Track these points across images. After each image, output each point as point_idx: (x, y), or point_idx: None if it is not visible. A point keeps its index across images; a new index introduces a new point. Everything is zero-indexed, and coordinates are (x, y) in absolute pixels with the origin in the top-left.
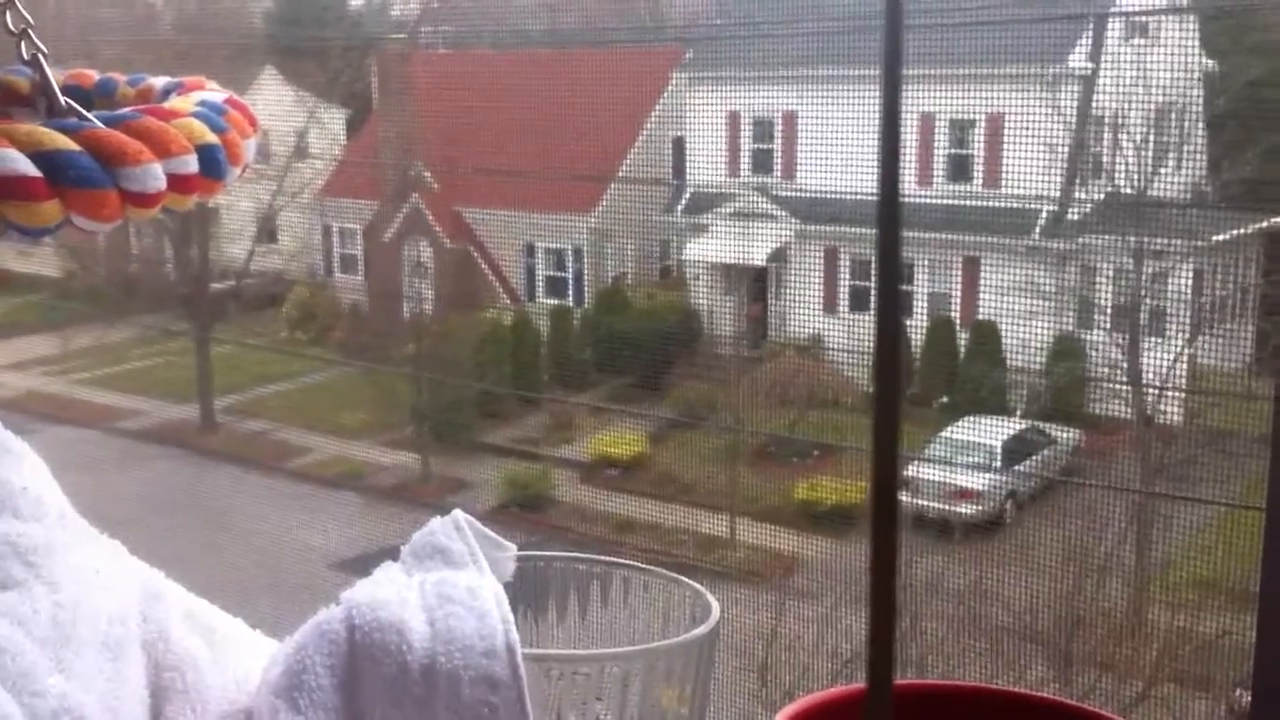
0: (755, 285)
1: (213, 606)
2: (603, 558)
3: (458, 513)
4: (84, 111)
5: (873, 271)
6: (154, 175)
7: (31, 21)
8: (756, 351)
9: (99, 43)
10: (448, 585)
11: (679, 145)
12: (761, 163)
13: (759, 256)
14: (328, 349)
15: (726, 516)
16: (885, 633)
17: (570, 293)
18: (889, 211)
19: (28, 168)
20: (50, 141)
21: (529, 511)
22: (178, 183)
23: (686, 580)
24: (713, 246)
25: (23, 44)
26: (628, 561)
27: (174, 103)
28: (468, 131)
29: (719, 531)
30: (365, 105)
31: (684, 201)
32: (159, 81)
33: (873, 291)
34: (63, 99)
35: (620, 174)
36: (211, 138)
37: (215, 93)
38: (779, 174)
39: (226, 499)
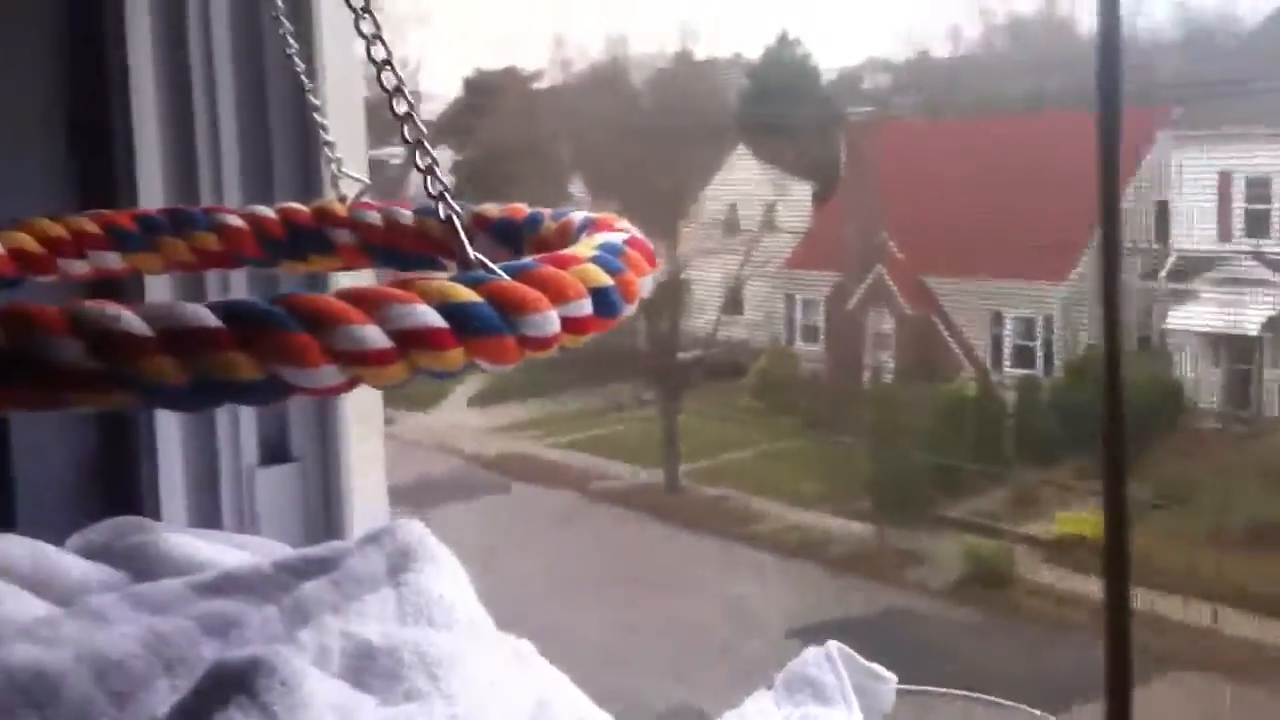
0: (1245, 355)
1: (602, 713)
2: (983, 696)
3: (832, 644)
4: (489, 264)
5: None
6: (550, 321)
7: (438, 159)
8: (1246, 429)
9: (587, 129)
10: None
11: (1162, 208)
12: (1256, 225)
13: (1251, 325)
14: (787, 418)
15: (1208, 604)
16: (1122, 687)
17: (1039, 363)
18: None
19: (436, 320)
20: (456, 295)
21: (987, 589)
22: (572, 325)
23: None
24: (1198, 314)
25: (428, 180)
26: (1011, 703)
27: (575, 248)
28: (934, 199)
29: (1200, 620)
30: (832, 178)
31: (1167, 267)
32: (577, 217)
33: None
34: (472, 254)
35: (1095, 240)
36: (606, 280)
37: (618, 233)
38: (1276, 236)
39: (687, 561)
